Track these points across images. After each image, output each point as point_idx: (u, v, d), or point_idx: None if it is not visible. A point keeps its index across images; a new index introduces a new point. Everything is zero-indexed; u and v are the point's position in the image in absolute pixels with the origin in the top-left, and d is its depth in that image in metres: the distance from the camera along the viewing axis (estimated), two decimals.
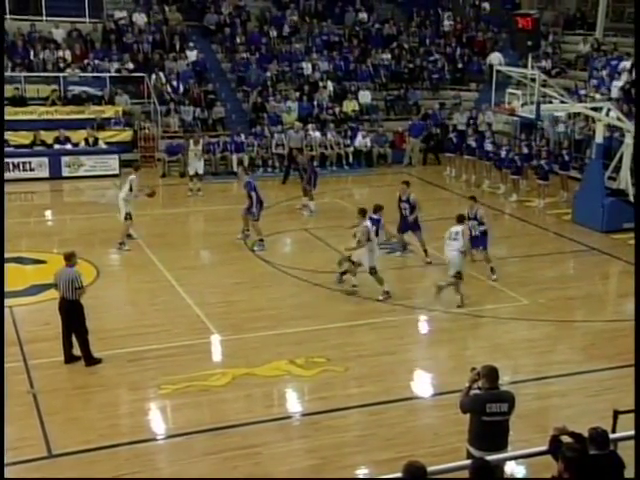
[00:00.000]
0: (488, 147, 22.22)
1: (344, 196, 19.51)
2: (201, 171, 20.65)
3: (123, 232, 16.13)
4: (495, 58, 27.24)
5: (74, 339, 10.96)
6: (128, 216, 16.14)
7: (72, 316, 10.81)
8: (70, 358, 10.98)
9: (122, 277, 15.16)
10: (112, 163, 22.29)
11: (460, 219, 13.77)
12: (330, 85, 26.33)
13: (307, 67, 26.85)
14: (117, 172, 22.11)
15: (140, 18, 27.21)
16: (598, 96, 22.77)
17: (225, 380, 10.71)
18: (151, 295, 13.81)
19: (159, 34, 26.84)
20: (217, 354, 12.02)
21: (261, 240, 16.30)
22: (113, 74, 24.77)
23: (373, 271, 13.50)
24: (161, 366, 11.03)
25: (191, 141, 20.78)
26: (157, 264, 15.18)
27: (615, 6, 29.55)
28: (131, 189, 16.21)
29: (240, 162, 22.53)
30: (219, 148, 23.10)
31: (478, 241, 14.70)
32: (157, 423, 9.85)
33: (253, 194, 16.23)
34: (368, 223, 13.45)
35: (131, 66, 25.09)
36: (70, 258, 10.92)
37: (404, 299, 13.71)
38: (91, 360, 10.95)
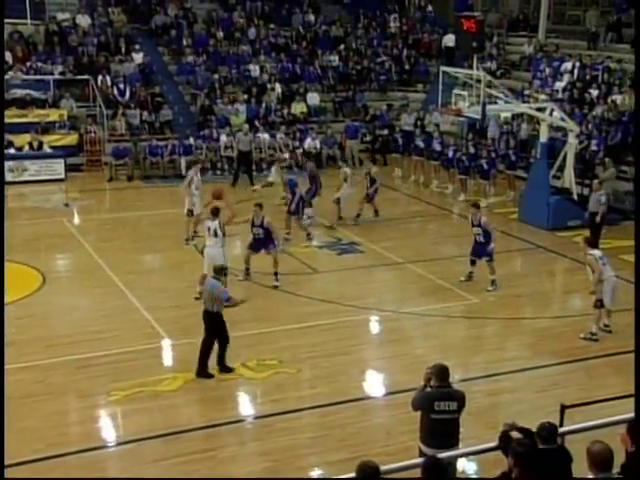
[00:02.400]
0: (436, 147, 22.46)
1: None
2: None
3: (186, 228, 16.33)
4: (449, 40, 27.61)
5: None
6: (190, 212, 16.20)
7: (213, 327, 10.90)
8: (202, 372, 10.89)
9: (69, 283, 14.91)
10: (57, 167, 21.90)
11: None
12: (278, 87, 26.30)
13: (255, 69, 26.76)
14: (63, 176, 21.76)
15: (84, 20, 26.81)
16: (542, 96, 23.19)
17: (176, 385, 10.62)
18: (99, 300, 13.62)
19: (104, 36, 26.48)
20: (168, 359, 11.91)
21: (309, 234, 16.95)
22: (57, 77, 24.35)
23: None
24: (111, 372, 10.88)
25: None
26: (105, 269, 14.97)
27: (556, 8, 30.17)
28: (190, 185, 16.61)
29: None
30: (167, 151, 22.89)
31: (482, 249, 14.46)
32: (107, 430, 9.72)
33: (297, 190, 16.95)
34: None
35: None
36: (219, 272, 11.18)
37: (355, 300, 13.75)
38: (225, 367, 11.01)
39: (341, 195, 18.32)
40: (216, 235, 13.32)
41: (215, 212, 13.46)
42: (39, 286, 13.93)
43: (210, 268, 13.31)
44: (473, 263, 14.71)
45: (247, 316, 13.02)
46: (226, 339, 10.98)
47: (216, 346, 10.94)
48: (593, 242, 12.77)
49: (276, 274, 14.23)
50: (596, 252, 12.54)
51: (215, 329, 10.91)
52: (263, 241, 14.33)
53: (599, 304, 12.36)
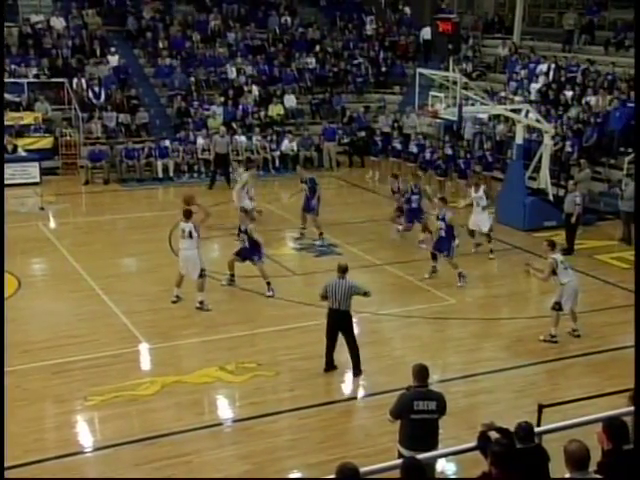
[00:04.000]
0: (413, 149, 22.53)
1: (271, 200, 19.47)
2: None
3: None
4: (427, 33, 27.75)
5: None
6: (242, 209, 15.96)
7: (344, 327, 11.01)
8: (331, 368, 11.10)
9: (45, 287, 14.77)
10: (32, 171, 21.72)
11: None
12: (255, 89, 26.27)
13: (231, 71, 26.72)
14: (38, 180, 21.59)
15: (58, 22, 26.64)
16: (517, 98, 23.35)
17: (154, 389, 10.56)
18: (76, 305, 13.52)
19: (79, 39, 26.32)
20: (145, 363, 11.84)
21: (321, 234, 17.11)
22: (31, 80, 24.14)
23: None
24: (87, 377, 10.80)
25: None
26: (81, 273, 14.86)
27: (531, 11, 30.43)
28: (243, 187, 16.99)
29: (299, 160, 23.32)
30: (143, 154, 22.78)
31: (442, 245, 14.78)
32: (84, 435, 9.64)
33: (318, 189, 17.17)
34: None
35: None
36: (345, 270, 11.07)
37: None
38: (359, 370, 11.07)
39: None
40: (191, 237, 13.22)
41: (188, 214, 13.36)
42: (14, 291, 13.80)
43: (186, 270, 13.28)
44: (434, 257, 14.99)
45: (226, 319, 12.98)
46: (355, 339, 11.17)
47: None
48: (554, 244, 12.69)
49: (268, 284, 13.96)
50: (557, 256, 12.40)
51: (344, 329, 11.03)
52: (249, 250, 14.09)
53: (557, 307, 12.37)
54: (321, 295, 11.08)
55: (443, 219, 14.71)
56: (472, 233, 16.59)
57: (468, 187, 16.54)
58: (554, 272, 12.30)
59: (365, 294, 11.11)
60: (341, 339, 11.09)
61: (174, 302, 13.39)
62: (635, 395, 6.91)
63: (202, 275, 13.35)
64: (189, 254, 13.30)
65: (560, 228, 17.30)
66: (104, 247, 16.71)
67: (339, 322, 10.96)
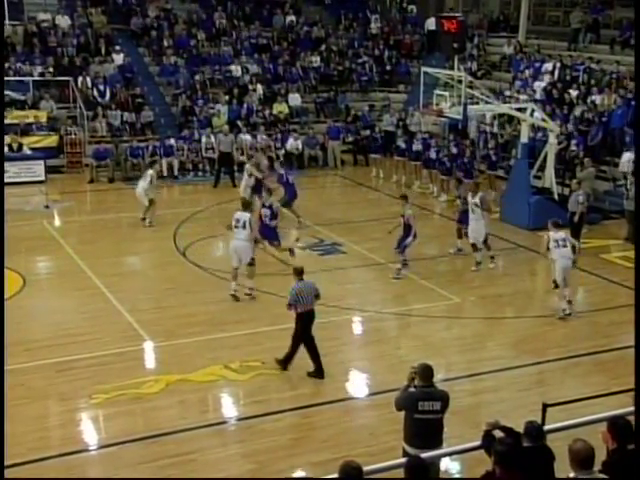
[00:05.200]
0: (418, 148, 22.50)
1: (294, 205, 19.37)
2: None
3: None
4: (431, 23, 27.72)
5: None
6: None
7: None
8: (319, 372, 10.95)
9: (50, 286, 14.79)
10: (37, 169, 21.75)
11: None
12: (260, 88, 26.25)
13: (236, 70, 26.71)
14: (43, 178, 21.60)
15: (63, 21, 26.66)
16: (522, 97, 23.30)
17: (158, 387, 10.56)
18: (80, 303, 13.53)
19: (84, 37, 26.34)
20: (150, 361, 11.85)
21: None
22: (36, 78, 24.16)
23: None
24: (92, 375, 10.81)
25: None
26: (86, 271, 14.88)
27: (536, 9, 30.35)
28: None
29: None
30: (148, 152, 22.78)
31: (399, 241, 14.97)
32: (89, 433, 9.64)
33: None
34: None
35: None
36: (302, 272, 11.10)
37: (337, 300, 13.74)
38: (287, 364, 11.00)
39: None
40: (244, 227, 13.49)
41: (246, 205, 13.91)
42: (19, 289, 13.81)
43: (237, 260, 13.55)
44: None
45: (230, 318, 12.98)
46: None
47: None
48: (555, 223, 13.38)
49: (251, 289, 13.82)
50: (552, 234, 13.19)
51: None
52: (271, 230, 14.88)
53: (555, 284, 13.27)
54: (289, 304, 10.92)
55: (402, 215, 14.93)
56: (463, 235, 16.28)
57: (467, 190, 16.46)
58: (548, 248, 13.13)
59: (317, 296, 11.05)
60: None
61: (232, 295, 13.52)
62: (635, 395, 6.91)
63: (252, 264, 13.61)
64: (241, 244, 13.54)
65: (565, 227, 17.23)
66: (109, 245, 16.72)
67: (311, 322, 10.96)
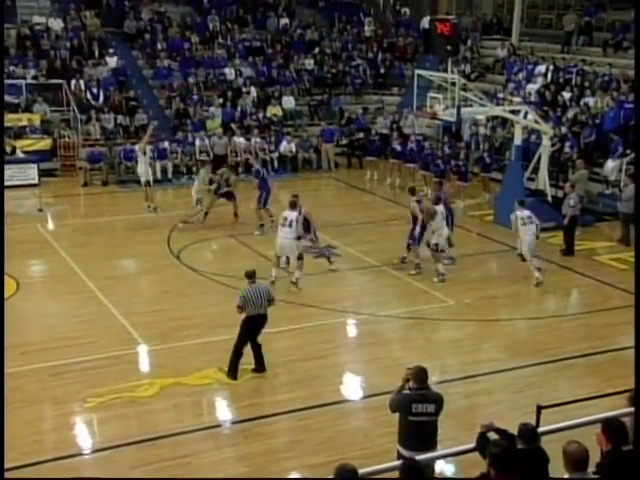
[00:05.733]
0: (412, 150, 22.51)
1: (270, 202, 19.39)
2: None
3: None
4: (426, 22, 27.86)
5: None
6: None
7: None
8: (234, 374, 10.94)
9: (43, 289, 14.77)
10: (31, 172, 21.70)
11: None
12: (253, 91, 26.26)
13: (230, 73, 26.72)
14: (36, 181, 21.56)
15: (56, 23, 26.63)
16: (516, 99, 23.35)
17: (153, 390, 10.56)
18: (74, 306, 13.51)
19: (77, 40, 26.30)
20: (144, 364, 11.84)
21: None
22: (30, 81, 24.13)
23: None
24: (86, 379, 10.79)
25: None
26: (80, 274, 14.86)
27: (529, 12, 30.46)
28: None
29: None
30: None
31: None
32: (83, 437, 9.63)
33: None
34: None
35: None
36: (254, 275, 11.10)
37: (332, 303, 13.76)
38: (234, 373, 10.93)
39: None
40: (291, 226, 14.09)
41: (294, 205, 14.43)
42: (13, 292, 13.78)
43: (282, 255, 14.39)
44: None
45: (224, 321, 12.92)
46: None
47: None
48: (521, 202, 15.07)
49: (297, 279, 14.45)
50: (518, 213, 14.92)
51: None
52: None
53: (521, 257, 15.04)
54: (238, 306, 10.93)
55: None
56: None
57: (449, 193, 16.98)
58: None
59: (271, 300, 11.02)
60: None
61: (272, 282, 13.75)
62: (635, 396, 6.91)
63: (301, 257, 14.32)
64: (287, 242, 14.18)
65: (559, 229, 17.30)
66: (103, 249, 16.70)
67: (259, 326, 10.95)
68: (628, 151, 20.22)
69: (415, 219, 15.29)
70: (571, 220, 16.56)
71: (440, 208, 15.16)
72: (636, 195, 16.46)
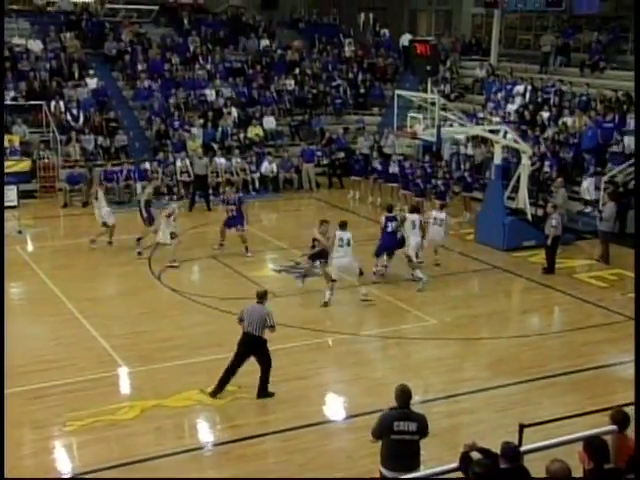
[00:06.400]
0: (393, 170, 22.61)
1: (252, 222, 19.41)
2: None
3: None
4: (406, 39, 28.11)
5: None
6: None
7: (257, 351, 10.90)
8: (218, 391, 10.92)
9: (23, 311, 14.59)
10: (10, 194, 21.51)
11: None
12: (234, 111, 26.31)
13: (211, 94, 26.77)
14: (15, 203, 21.40)
15: (36, 45, 26.60)
16: (495, 119, 23.56)
17: (134, 413, 10.45)
18: (54, 329, 13.39)
19: (57, 61, 26.26)
20: (125, 387, 11.73)
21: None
22: (9, 102, 24.02)
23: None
24: (66, 402, 10.67)
25: None
26: (60, 296, 14.74)
27: (507, 33, 30.81)
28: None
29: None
30: (122, 176, 22.70)
31: None
32: (63, 461, 9.50)
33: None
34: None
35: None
36: (263, 296, 11.06)
37: (313, 323, 13.73)
38: (266, 393, 10.96)
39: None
40: (349, 245, 14.63)
41: (345, 224, 14.88)
42: None
43: (339, 275, 14.71)
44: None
45: (205, 342, 12.89)
46: (270, 363, 10.96)
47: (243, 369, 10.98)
48: (414, 209, 16.53)
49: (246, 248, 16.89)
50: (409, 216, 15.97)
51: (260, 353, 10.91)
52: (236, 218, 17.30)
53: (409, 258, 15.75)
54: (238, 318, 11.04)
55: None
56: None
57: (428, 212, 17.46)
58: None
59: (271, 327, 10.91)
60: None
61: (326, 304, 14.47)
62: (635, 400, 6.96)
63: (361, 274, 15.06)
64: (348, 261, 14.69)
65: (539, 247, 17.41)
66: (83, 270, 16.59)
67: (248, 347, 10.89)
68: (599, 169, 20.50)
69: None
70: (554, 240, 16.65)
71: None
72: (635, 209, 16.35)
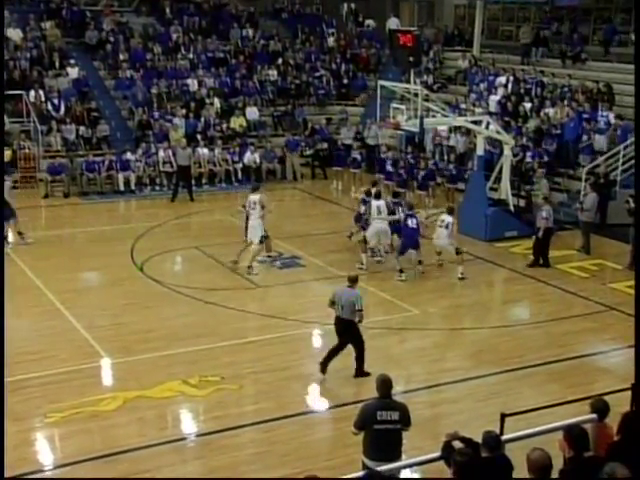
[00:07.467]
0: (376, 161, 22.62)
1: (234, 213, 19.41)
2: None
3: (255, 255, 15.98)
4: (393, 23, 28.02)
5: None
6: (263, 238, 15.95)
7: (348, 335, 11.19)
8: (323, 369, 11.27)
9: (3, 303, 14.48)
10: None
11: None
12: (217, 102, 26.20)
13: (193, 84, 26.63)
14: None
15: (16, 34, 26.31)
16: (478, 110, 23.61)
17: (116, 404, 10.42)
18: (35, 320, 13.31)
19: (37, 50, 26.01)
20: (107, 378, 11.68)
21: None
22: None
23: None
24: (47, 394, 10.62)
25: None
26: (41, 288, 14.65)
27: (490, 24, 30.87)
28: (262, 207, 16.05)
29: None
30: (104, 167, 22.55)
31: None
32: (44, 454, 9.46)
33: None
34: None
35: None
36: (355, 280, 11.31)
37: (297, 314, 13.73)
38: (363, 373, 11.19)
39: None
40: (380, 213, 15.91)
41: (379, 194, 16.43)
42: None
43: (376, 241, 16.15)
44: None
45: (188, 332, 12.87)
46: (363, 345, 11.27)
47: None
48: (375, 192, 16.60)
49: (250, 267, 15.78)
50: (375, 202, 16.12)
51: (351, 336, 11.19)
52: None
53: (363, 243, 16.14)
54: (330, 300, 11.29)
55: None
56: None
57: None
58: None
59: (359, 311, 11.13)
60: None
61: (361, 268, 15.54)
62: (632, 391, 7.05)
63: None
64: (382, 226, 16.07)
65: (521, 238, 17.49)
66: (64, 261, 16.49)
67: (339, 329, 11.26)
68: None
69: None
70: (545, 232, 16.57)
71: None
72: (635, 207, 16.27)
